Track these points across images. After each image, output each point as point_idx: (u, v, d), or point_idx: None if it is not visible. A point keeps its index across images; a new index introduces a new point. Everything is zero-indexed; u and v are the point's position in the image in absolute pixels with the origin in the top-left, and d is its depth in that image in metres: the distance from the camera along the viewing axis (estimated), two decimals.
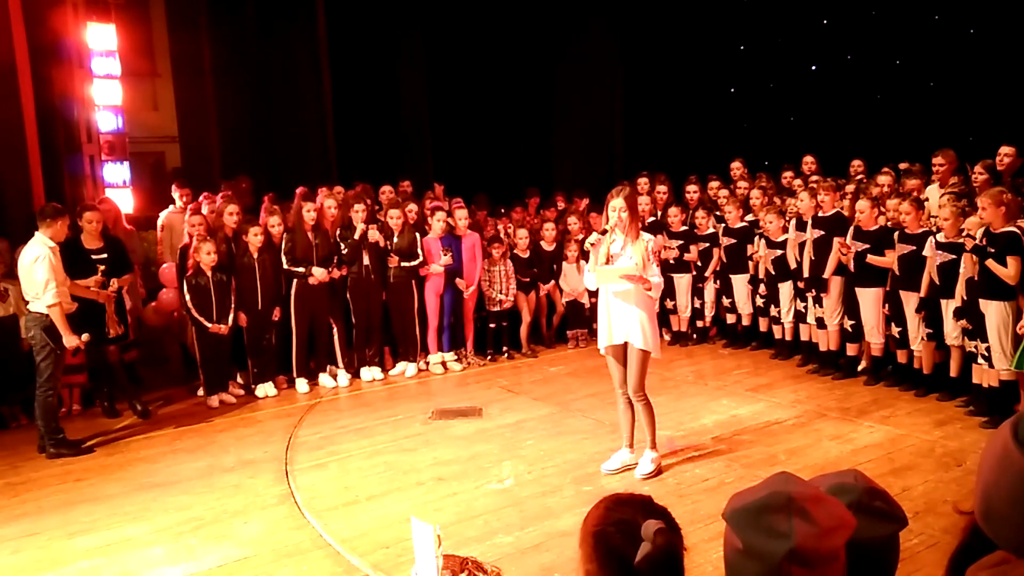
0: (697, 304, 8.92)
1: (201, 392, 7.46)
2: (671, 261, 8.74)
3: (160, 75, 12.36)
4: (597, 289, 5.34)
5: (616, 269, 5.08)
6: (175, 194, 8.48)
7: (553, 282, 8.93)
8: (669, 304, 8.97)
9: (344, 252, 7.75)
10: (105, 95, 8.91)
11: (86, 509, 5.15)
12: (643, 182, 9.25)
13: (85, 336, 6.18)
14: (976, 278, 5.91)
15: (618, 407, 5.47)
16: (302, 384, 7.68)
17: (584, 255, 5.73)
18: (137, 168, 9.40)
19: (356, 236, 7.71)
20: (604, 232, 5.22)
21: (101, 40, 8.87)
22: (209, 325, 7.16)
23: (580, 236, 8.63)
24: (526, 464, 5.58)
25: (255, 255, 7.40)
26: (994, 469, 1.20)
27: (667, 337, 9.16)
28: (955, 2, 10.74)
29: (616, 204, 5.10)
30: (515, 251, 8.73)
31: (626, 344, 5.19)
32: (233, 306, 7.30)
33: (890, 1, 11.36)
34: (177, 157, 11.24)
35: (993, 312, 5.81)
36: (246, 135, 10.23)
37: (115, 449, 6.32)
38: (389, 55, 11.69)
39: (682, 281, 8.86)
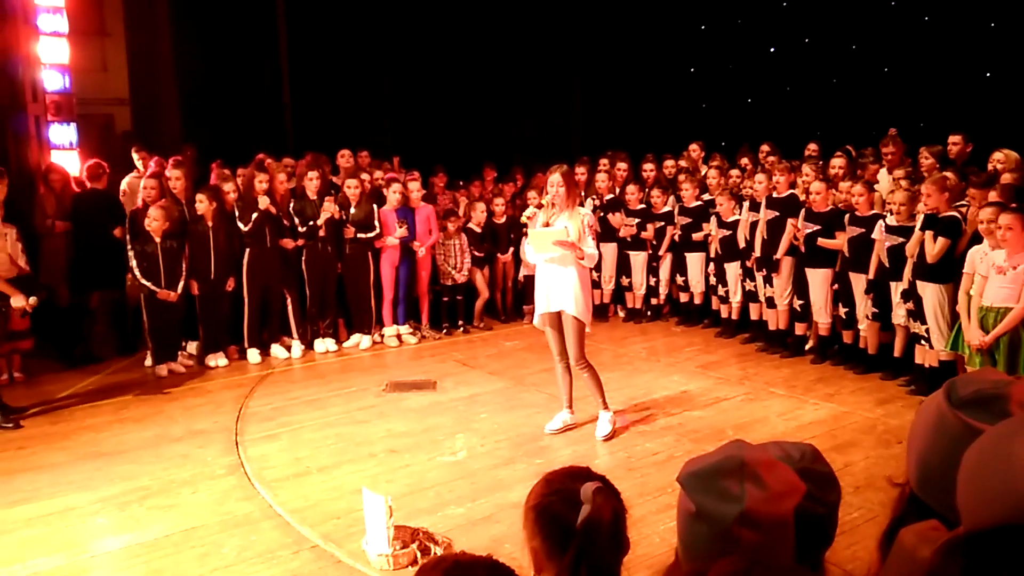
0: (652, 282, 9.01)
1: (149, 361, 7.33)
2: (628, 239, 8.82)
3: (110, 35, 11.97)
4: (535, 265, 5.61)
5: (549, 232, 5.31)
6: (135, 157, 8.31)
7: (512, 250, 8.92)
8: (624, 281, 9.07)
9: (301, 230, 7.63)
10: (52, 53, 8.58)
11: (28, 478, 5.05)
12: (604, 162, 9.31)
13: (33, 299, 6.00)
14: (916, 259, 6.08)
15: (556, 372, 5.71)
16: (254, 355, 7.59)
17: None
18: (85, 130, 9.10)
19: (319, 222, 7.60)
20: (540, 206, 5.55)
21: None
22: (157, 291, 7.02)
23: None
24: (479, 437, 5.61)
25: (209, 223, 7.26)
26: (929, 435, 1.24)
27: (621, 314, 9.28)
28: None
29: (553, 180, 5.38)
30: (470, 224, 8.71)
31: (560, 313, 5.40)
32: (184, 274, 7.17)
33: None
34: (127, 120, 10.94)
35: (930, 294, 5.98)
36: (199, 99, 10.00)
37: (59, 417, 6.19)
38: (348, 24, 11.48)
39: (638, 258, 8.94)
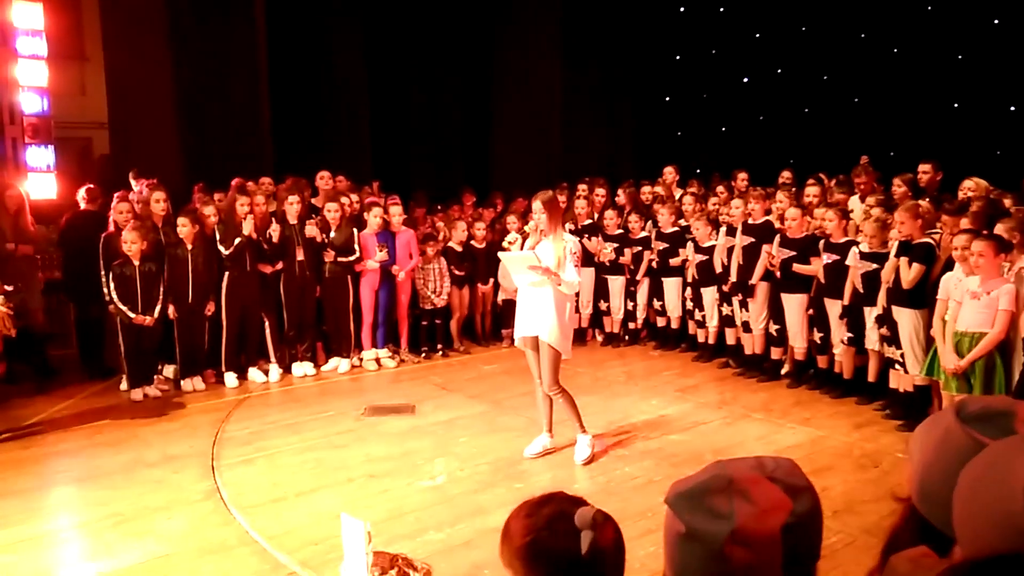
0: (629, 306, 9.07)
1: (124, 385, 7.24)
2: (607, 263, 8.89)
3: (89, 59, 11.95)
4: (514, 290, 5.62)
5: (521, 257, 5.33)
6: (133, 183, 8.31)
7: (492, 280, 8.96)
8: (603, 306, 9.12)
9: (267, 248, 7.58)
10: (30, 76, 8.56)
11: None
12: (582, 188, 9.40)
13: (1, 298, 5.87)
14: (890, 285, 6.18)
15: (536, 395, 5.71)
16: (231, 378, 7.52)
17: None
18: (63, 153, 9.05)
19: (275, 239, 7.54)
20: (522, 232, 5.61)
21: (27, 19, 8.53)
22: (132, 316, 6.95)
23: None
24: (458, 461, 5.59)
25: (188, 246, 7.22)
26: (933, 449, 1.26)
27: (599, 338, 9.31)
28: (880, 22, 11.19)
29: (535, 207, 5.41)
30: (450, 243, 8.73)
31: (537, 338, 5.42)
32: (162, 297, 7.11)
33: (819, 18, 11.77)
34: (105, 143, 10.88)
35: (906, 319, 6.07)
36: (178, 123, 9.98)
37: (31, 443, 6.08)
38: (328, 49, 11.56)
39: (616, 283, 9.00)
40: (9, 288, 5.89)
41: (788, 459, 1.35)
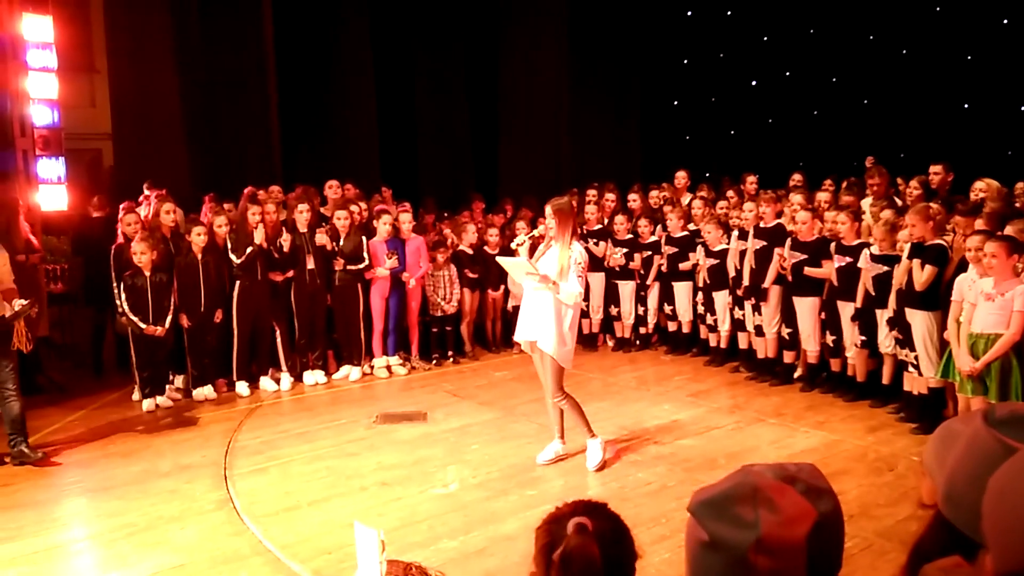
0: (640, 311, 9.04)
1: (136, 395, 7.26)
2: (617, 268, 8.87)
3: (99, 71, 12.04)
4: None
5: (517, 263, 5.34)
6: (147, 194, 8.40)
7: (503, 286, 8.95)
8: (613, 311, 9.10)
9: (277, 257, 7.58)
10: (40, 88, 8.61)
11: (12, 516, 4.95)
12: (592, 193, 9.39)
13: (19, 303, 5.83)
14: (903, 288, 6.14)
15: (546, 401, 5.68)
16: (242, 387, 7.54)
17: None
18: (73, 165, 9.11)
19: (286, 248, 7.54)
20: (532, 236, 5.57)
21: (37, 32, 8.57)
22: (144, 326, 6.97)
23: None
24: (471, 468, 5.57)
25: (199, 255, 7.24)
26: (960, 454, 1.25)
27: (610, 343, 9.29)
28: (889, 23, 11.16)
29: (547, 212, 5.38)
30: (461, 247, 8.72)
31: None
32: (173, 307, 7.13)
33: (827, 20, 11.75)
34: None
35: (919, 322, 6.03)
36: (186, 133, 10.02)
37: (45, 453, 6.10)
38: (335, 57, 11.60)
39: (626, 288, 8.98)
40: (25, 302, 5.87)
41: (810, 464, 1.35)
